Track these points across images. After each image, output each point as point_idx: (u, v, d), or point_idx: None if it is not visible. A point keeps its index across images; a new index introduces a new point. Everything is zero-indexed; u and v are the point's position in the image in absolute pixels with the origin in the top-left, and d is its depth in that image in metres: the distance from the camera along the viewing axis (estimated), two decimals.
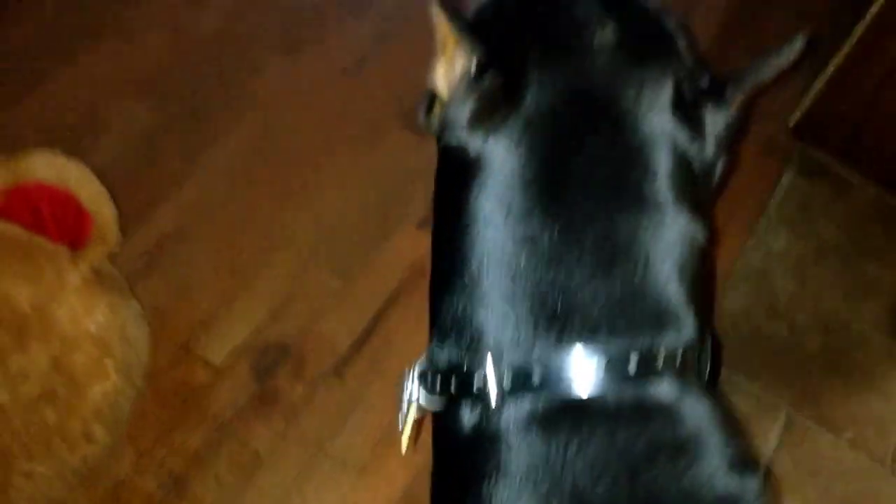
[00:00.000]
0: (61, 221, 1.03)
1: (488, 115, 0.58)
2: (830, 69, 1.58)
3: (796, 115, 1.66)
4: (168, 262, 1.39)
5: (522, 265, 0.56)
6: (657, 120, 0.59)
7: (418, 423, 0.64)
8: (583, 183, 0.57)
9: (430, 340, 0.64)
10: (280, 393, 1.31)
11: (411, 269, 1.44)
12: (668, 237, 0.57)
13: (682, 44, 0.64)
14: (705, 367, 0.61)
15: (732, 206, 1.56)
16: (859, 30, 1.50)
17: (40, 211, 1.02)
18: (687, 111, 0.60)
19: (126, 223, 1.38)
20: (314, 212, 1.48)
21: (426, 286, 1.48)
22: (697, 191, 0.61)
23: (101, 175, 1.16)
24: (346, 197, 1.51)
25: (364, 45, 1.71)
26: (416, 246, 1.47)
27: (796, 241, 1.51)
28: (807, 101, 1.64)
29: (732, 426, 0.59)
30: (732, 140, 0.64)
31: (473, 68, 0.60)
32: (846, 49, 1.54)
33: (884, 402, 1.36)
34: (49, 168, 1.02)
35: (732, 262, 1.49)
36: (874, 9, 1.48)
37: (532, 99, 0.58)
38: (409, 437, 0.65)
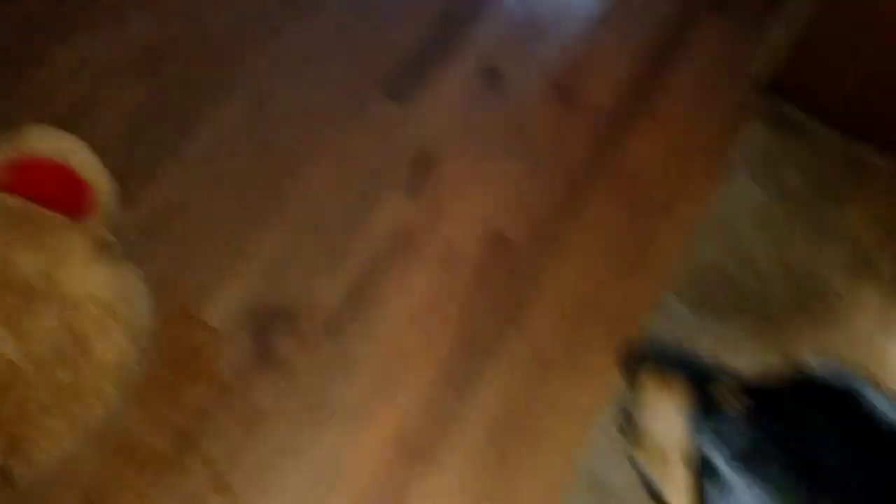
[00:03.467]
0: (61, 193, 1.10)
1: None
2: (797, 24, 1.63)
3: (762, 69, 1.72)
4: (166, 233, 1.47)
5: None
6: None
7: None
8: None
9: None
10: (277, 351, 1.39)
11: (398, 234, 1.51)
12: None
13: None
14: None
15: (700, 160, 1.64)
16: None
17: (41, 184, 1.10)
18: None
19: (125, 196, 1.46)
20: (305, 183, 1.55)
21: (410, 248, 1.57)
22: None
23: (99, 152, 1.24)
24: (335, 168, 1.58)
25: (343, 16, 1.77)
26: (398, 210, 1.54)
27: (761, 190, 1.58)
28: (772, 55, 1.70)
29: None
30: None
31: None
32: (814, 4, 1.59)
33: (847, 343, 1.44)
34: (46, 142, 1.10)
35: (700, 214, 1.56)
36: None
37: None
38: None
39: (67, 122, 1.53)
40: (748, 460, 0.63)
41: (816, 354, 1.40)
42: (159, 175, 1.52)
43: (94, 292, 1.09)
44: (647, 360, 0.79)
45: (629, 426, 0.79)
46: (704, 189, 1.59)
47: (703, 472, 0.66)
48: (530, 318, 1.43)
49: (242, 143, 1.58)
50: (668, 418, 0.74)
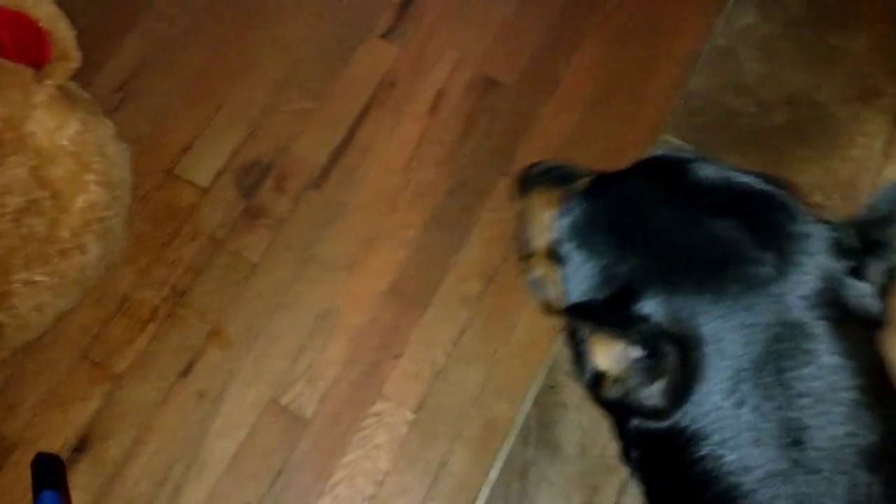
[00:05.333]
0: (21, 43, 1.06)
1: (681, 387, 0.55)
2: None
3: None
4: (142, 93, 1.43)
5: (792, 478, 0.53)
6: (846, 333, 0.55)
7: None
8: (800, 397, 0.53)
9: None
10: (265, 207, 1.37)
11: (380, 80, 1.46)
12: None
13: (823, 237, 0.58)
14: None
15: None
16: None
17: (0, 34, 1.05)
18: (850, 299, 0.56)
19: (97, 58, 1.41)
20: (278, 36, 1.50)
21: (396, 96, 1.50)
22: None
23: (68, 12, 1.18)
24: (308, 18, 1.51)
25: None
26: (382, 57, 1.48)
27: (762, 18, 1.50)
28: None
29: None
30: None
31: (640, 352, 0.55)
32: None
33: (849, 168, 1.39)
34: None
35: (700, 43, 1.49)
36: None
37: (714, 350, 0.54)
38: None
39: None
40: (578, 234, 0.64)
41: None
42: (131, 32, 1.47)
43: (63, 144, 1.06)
44: (534, 180, 0.79)
45: (524, 250, 0.79)
46: (703, 20, 1.51)
47: (557, 258, 0.66)
48: (521, 160, 1.39)
49: None
50: (545, 228, 0.73)
